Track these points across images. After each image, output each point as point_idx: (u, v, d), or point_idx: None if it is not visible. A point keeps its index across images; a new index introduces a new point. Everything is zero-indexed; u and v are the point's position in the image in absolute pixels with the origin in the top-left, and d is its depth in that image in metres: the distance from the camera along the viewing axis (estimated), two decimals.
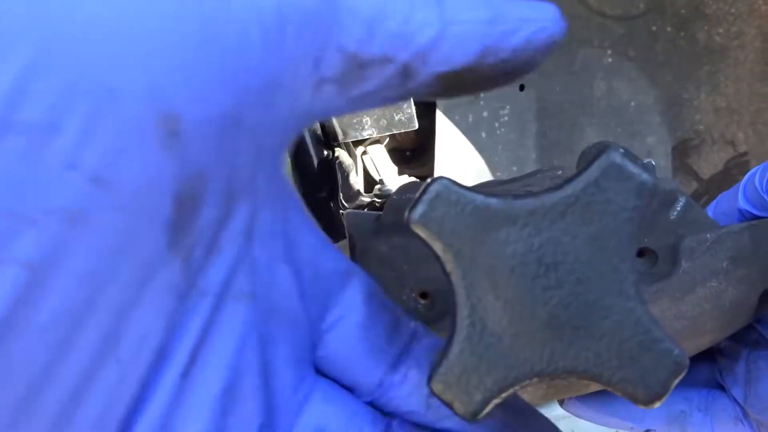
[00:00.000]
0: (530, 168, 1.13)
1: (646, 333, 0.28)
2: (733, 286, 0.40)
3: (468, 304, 0.28)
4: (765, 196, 0.45)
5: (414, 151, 1.23)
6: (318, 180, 0.73)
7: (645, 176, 0.28)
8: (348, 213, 0.52)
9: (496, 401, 0.28)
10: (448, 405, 0.28)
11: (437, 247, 0.28)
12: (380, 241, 0.45)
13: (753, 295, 0.41)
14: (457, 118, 1.06)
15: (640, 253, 0.41)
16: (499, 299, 0.28)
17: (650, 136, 1.08)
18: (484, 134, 1.08)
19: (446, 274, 0.29)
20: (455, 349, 0.28)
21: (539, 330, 0.28)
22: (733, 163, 1.10)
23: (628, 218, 0.28)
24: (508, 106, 1.09)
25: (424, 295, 0.42)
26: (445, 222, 0.28)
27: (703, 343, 0.42)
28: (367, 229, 0.49)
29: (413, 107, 0.72)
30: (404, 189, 0.52)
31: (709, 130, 1.09)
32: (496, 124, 1.09)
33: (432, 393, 0.28)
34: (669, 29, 1.02)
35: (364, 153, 0.75)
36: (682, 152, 1.09)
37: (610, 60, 1.06)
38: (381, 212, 0.50)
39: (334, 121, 0.71)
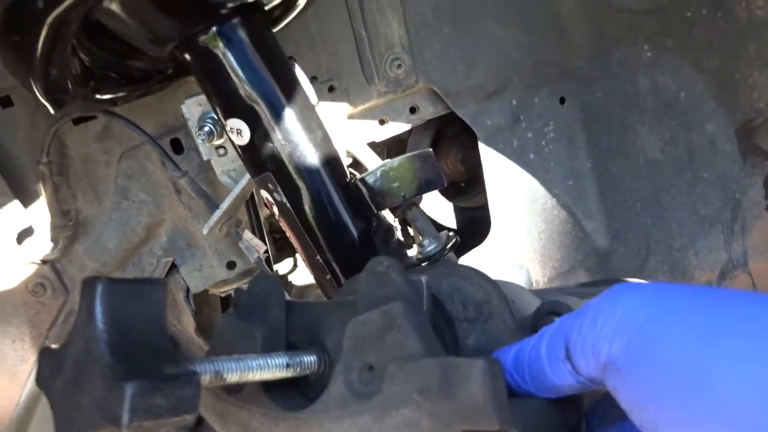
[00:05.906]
0: (588, 181, 1.09)
1: None
2: (426, 419, 0.41)
3: None
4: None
5: (467, 182, 1.23)
6: (359, 254, 0.76)
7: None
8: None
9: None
10: None
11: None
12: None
13: None
14: (501, 145, 1.05)
15: (370, 367, 0.44)
16: None
17: (708, 124, 1.02)
18: (532, 155, 1.06)
19: None
20: None
21: None
22: None
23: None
24: (551, 122, 1.06)
25: None
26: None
27: None
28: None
29: (437, 165, 0.73)
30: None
31: None
32: (543, 143, 1.07)
33: None
34: (704, 12, 0.95)
35: (402, 217, 0.77)
36: (747, 133, 1.02)
37: (648, 54, 1.00)
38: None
39: (365, 195, 0.73)
